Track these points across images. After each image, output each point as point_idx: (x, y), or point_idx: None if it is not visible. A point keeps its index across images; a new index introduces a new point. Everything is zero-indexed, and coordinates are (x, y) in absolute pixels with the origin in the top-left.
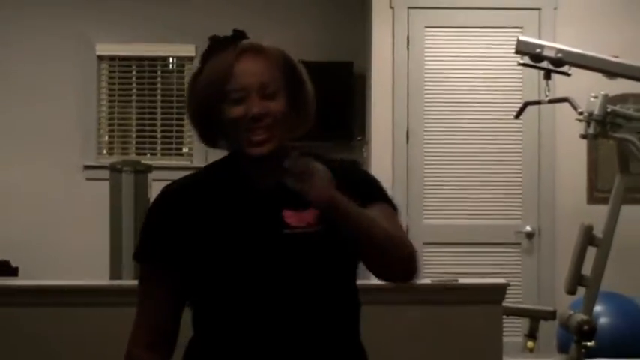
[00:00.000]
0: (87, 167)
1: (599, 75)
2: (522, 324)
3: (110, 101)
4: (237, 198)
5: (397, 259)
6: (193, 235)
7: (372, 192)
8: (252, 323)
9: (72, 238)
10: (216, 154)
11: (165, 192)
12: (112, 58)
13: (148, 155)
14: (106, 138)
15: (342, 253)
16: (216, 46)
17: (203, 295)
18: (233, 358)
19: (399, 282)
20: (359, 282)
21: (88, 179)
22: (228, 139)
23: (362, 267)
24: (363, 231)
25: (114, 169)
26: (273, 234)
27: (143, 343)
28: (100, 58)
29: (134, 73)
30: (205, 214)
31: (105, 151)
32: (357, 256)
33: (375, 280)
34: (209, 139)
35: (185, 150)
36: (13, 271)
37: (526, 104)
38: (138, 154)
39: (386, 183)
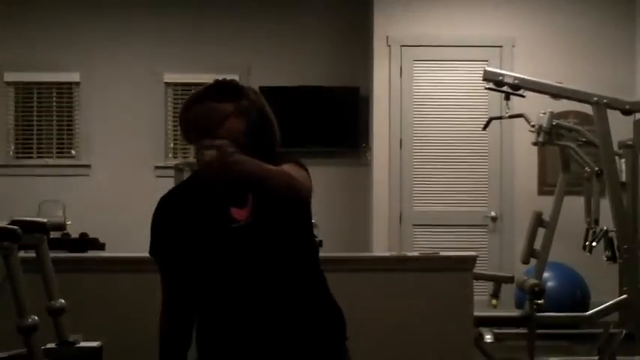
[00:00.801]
0: (157, 167)
1: (546, 97)
2: (488, 287)
3: (174, 117)
4: (201, 201)
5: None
6: (175, 234)
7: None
8: (225, 301)
9: (145, 221)
10: None
11: (160, 200)
12: (175, 85)
13: None
14: (172, 145)
15: (276, 234)
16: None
17: (191, 282)
18: (220, 333)
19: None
20: (362, 254)
21: (157, 176)
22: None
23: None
24: (256, 179)
25: (177, 168)
26: (226, 228)
27: (171, 317)
28: (167, 84)
29: None
30: (182, 217)
31: (170, 155)
32: (298, 233)
33: (375, 253)
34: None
35: None
36: (101, 246)
37: (491, 119)
38: (195, 157)
39: (384, 183)
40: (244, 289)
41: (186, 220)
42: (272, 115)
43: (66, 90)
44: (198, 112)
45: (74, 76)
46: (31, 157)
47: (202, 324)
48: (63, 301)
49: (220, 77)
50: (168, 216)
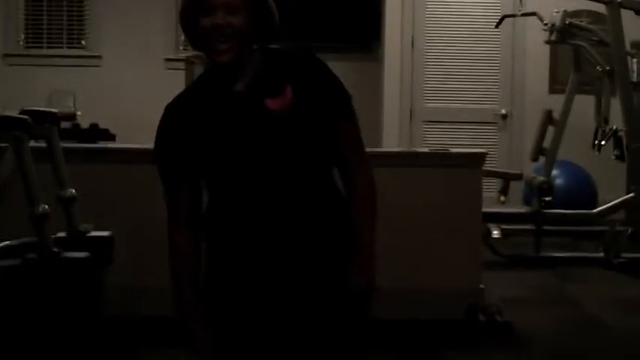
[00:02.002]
0: (167, 59)
1: None
2: (497, 184)
3: None
4: (227, 99)
5: None
6: (195, 137)
7: (334, 97)
8: (245, 201)
9: (155, 114)
10: None
11: (167, 107)
12: None
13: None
14: (183, 37)
15: (319, 125)
16: None
17: (213, 183)
18: (242, 232)
19: None
20: (372, 150)
21: (168, 69)
22: (203, 48)
23: None
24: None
25: (188, 61)
26: (262, 120)
27: (178, 229)
28: None
29: None
30: (202, 118)
31: (182, 47)
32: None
33: (385, 148)
34: (195, 44)
35: None
36: (112, 137)
37: (504, 17)
38: None
39: (396, 79)
40: (272, 182)
41: (209, 120)
42: None
43: None
44: None
45: None
46: (41, 47)
47: (212, 228)
48: (73, 190)
49: None
50: (181, 122)
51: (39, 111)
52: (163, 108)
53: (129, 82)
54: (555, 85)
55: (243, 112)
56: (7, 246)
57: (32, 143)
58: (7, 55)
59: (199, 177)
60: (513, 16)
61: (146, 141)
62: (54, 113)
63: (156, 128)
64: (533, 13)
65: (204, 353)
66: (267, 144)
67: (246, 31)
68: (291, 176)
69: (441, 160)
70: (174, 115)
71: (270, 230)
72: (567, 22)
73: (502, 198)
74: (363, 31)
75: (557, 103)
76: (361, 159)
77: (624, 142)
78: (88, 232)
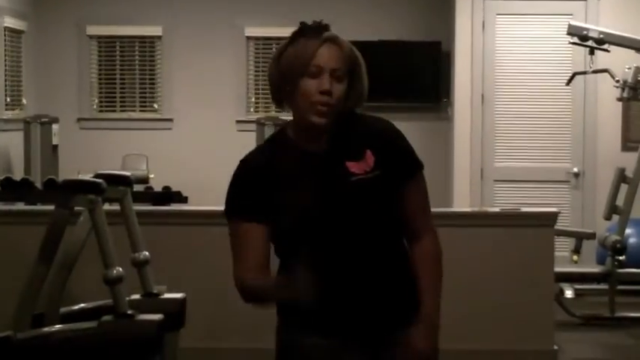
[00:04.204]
0: (238, 121)
1: (632, 51)
2: (569, 243)
3: (256, 71)
4: (305, 160)
5: None
6: (271, 196)
7: (408, 166)
8: (332, 256)
9: (227, 175)
10: None
11: (243, 162)
12: (257, 39)
13: (284, 112)
14: (253, 99)
15: (394, 191)
16: (305, 30)
17: (282, 241)
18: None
19: None
20: (444, 209)
21: (239, 130)
22: (296, 106)
23: None
24: None
25: (259, 122)
26: (344, 182)
27: (245, 271)
28: (248, 38)
29: (274, 49)
30: (282, 176)
31: (252, 109)
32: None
33: (456, 208)
34: (278, 101)
35: None
36: (184, 199)
37: (574, 74)
38: (277, 111)
39: (466, 138)
40: (344, 242)
41: (286, 176)
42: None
43: (148, 44)
44: (331, 54)
45: (156, 30)
46: (114, 111)
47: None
48: (147, 253)
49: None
50: (256, 176)
51: (112, 174)
52: (236, 165)
53: (200, 144)
54: (628, 142)
55: (323, 172)
56: (82, 309)
57: (106, 206)
58: (80, 119)
59: (270, 232)
60: (584, 73)
61: (218, 202)
62: (127, 176)
63: (227, 188)
64: (605, 70)
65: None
66: (346, 205)
67: (344, 99)
68: (365, 238)
69: (513, 219)
70: (250, 169)
71: (340, 292)
72: (639, 79)
73: (575, 257)
74: (434, 90)
75: (630, 160)
76: (427, 222)
77: None
78: (162, 294)
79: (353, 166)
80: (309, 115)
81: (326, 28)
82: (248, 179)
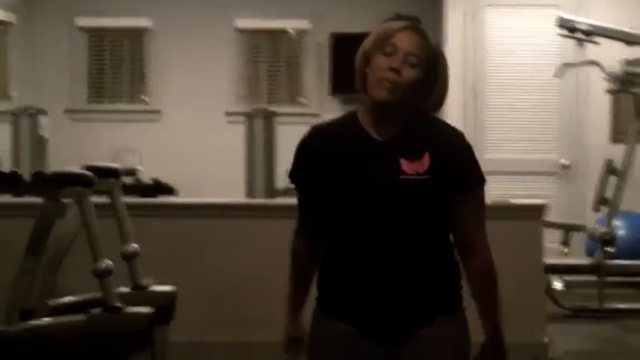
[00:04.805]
0: (228, 113)
1: (621, 43)
2: (558, 235)
3: (245, 63)
4: (364, 143)
5: None
6: (326, 168)
7: (467, 179)
8: (363, 245)
9: (216, 167)
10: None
11: (311, 130)
12: (246, 31)
13: (274, 104)
14: (243, 91)
15: (442, 198)
16: (393, 18)
17: (328, 217)
18: (347, 276)
19: None
20: None
21: (228, 122)
22: (368, 84)
23: None
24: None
25: (248, 114)
26: (392, 177)
27: (300, 236)
28: (238, 30)
29: (263, 41)
30: (339, 152)
31: (241, 101)
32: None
33: None
34: (360, 84)
35: (302, 100)
36: (173, 192)
37: (563, 66)
38: (266, 103)
39: (456, 127)
40: (387, 236)
41: (344, 156)
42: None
43: (138, 36)
44: (411, 40)
45: (146, 22)
46: (103, 103)
47: (327, 264)
48: (136, 245)
49: (292, 23)
50: (319, 147)
51: (101, 167)
52: (228, 161)
53: (189, 136)
54: (617, 134)
55: (377, 162)
56: (71, 301)
57: (95, 199)
58: (70, 111)
59: (321, 201)
60: (574, 65)
61: (207, 194)
62: (116, 169)
63: (217, 181)
64: (594, 62)
65: (286, 341)
66: (387, 201)
67: (412, 87)
68: (401, 236)
69: (502, 211)
70: (317, 138)
71: (364, 282)
72: (628, 71)
73: (564, 249)
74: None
75: (618, 152)
76: (483, 239)
77: None
78: (151, 286)
79: (406, 165)
80: (373, 90)
81: (415, 19)
82: (309, 148)
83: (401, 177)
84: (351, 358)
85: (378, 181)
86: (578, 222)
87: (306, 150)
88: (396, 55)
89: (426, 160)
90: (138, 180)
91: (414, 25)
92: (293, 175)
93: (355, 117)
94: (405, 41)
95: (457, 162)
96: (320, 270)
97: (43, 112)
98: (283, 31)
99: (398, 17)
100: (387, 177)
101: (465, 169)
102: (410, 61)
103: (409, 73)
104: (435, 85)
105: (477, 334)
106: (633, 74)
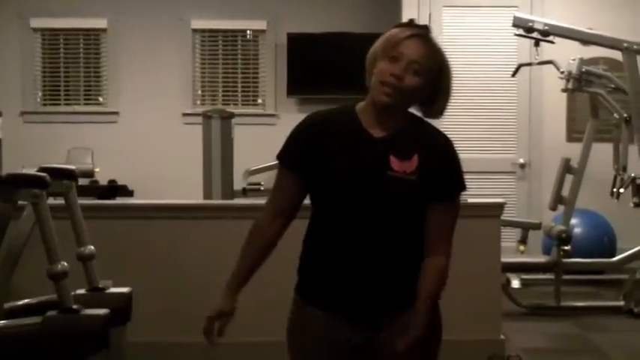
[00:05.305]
0: (185, 114)
1: (576, 43)
2: (515, 233)
3: (202, 64)
4: (359, 137)
5: None
6: (319, 155)
7: (449, 185)
8: (344, 234)
9: (174, 168)
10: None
11: (310, 116)
12: (203, 31)
13: (231, 105)
14: (199, 92)
15: (423, 199)
16: (403, 24)
17: (315, 202)
18: (328, 263)
19: None
20: None
21: (185, 124)
22: (370, 86)
23: None
24: None
25: (205, 115)
26: (380, 172)
27: (267, 215)
28: (194, 31)
29: (220, 42)
30: (333, 143)
31: (198, 102)
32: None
33: None
34: (368, 81)
35: (259, 100)
36: (130, 193)
37: (520, 66)
38: (223, 104)
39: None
40: (364, 234)
41: (337, 147)
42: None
43: (93, 36)
44: (417, 48)
45: (101, 22)
46: (58, 105)
47: (309, 251)
48: (92, 247)
49: (248, 23)
50: (314, 134)
51: (57, 168)
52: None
53: (146, 137)
54: (573, 133)
55: (368, 156)
56: (26, 304)
57: (50, 200)
58: (24, 113)
59: (309, 184)
60: (529, 64)
61: (164, 196)
62: (72, 170)
63: (174, 183)
64: (550, 62)
65: (213, 314)
66: (373, 196)
67: (413, 95)
68: (381, 230)
69: (460, 210)
70: (311, 125)
71: (341, 270)
72: (584, 70)
73: (521, 248)
74: None
75: (575, 151)
76: (447, 245)
77: None
78: (108, 288)
79: (395, 163)
80: (374, 93)
81: (424, 27)
82: (304, 132)
83: (388, 173)
84: (329, 344)
85: (365, 174)
86: (535, 220)
87: (302, 135)
88: (400, 62)
89: (414, 161)
90: (94, 181)
91: (422, 33)
92: (282, 156)
93: (354, 111)
94: (410, 49)
95: (443, 170)
96: (302, 257)
97: None
98: (241, 32)
99: (409, 23)
100: (375, 171)
101: (450, 179)
102: (413, 69)
103: (411, 81)
104: (438, 93)
105: (449, 330)
106: (589, 73)
